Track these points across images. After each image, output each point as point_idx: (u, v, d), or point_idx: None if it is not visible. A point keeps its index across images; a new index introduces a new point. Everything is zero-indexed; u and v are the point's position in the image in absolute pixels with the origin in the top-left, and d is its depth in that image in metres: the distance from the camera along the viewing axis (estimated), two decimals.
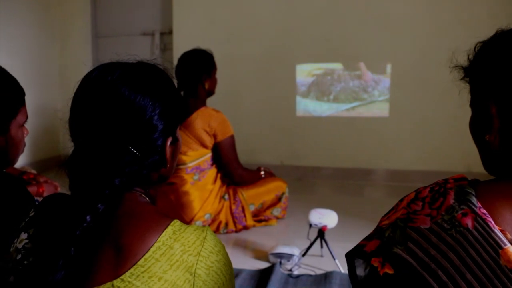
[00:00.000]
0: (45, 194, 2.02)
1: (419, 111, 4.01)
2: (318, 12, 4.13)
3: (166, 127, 0.90)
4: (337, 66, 4.19)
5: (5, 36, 4.12)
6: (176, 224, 0.83)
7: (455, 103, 3.81)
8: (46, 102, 4.55)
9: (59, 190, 2.16)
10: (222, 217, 2.78)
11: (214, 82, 2.79)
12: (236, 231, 2.81)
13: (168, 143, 0.91)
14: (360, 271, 0.72)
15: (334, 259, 2.21)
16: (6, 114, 1.27)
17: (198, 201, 2.70)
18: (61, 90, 4.84)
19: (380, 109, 4.13)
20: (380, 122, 4.13)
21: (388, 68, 4.06)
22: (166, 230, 0.81)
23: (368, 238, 0.71)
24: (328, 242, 2.27)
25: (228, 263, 0.86)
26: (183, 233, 0.82)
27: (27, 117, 1.36)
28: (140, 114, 0.86)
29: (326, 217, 2.27)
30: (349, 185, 4.07)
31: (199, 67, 2.70)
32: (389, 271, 0.65)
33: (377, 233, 0.70)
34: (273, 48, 4.24)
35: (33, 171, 2.28)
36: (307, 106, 4.29)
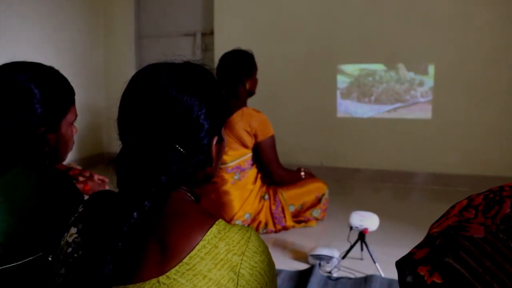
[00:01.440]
0: (90, 192, 2.08)
1: (463, 113, 3.89)
2: (359, 12, 4.08)
3: (212, 127, 0.91)
4: (379, 66, 4.13)
5: (54, 36, 4.28)
6: (221, 223, 0.84)
7: (501, 105, 3.75)
8: (91, 101, 4.68)
9: (107, 183, 2.22)
10: (262, 217, 2.78)
11: (254, 83, 2.80)
12: (276, 232, 2.81)
13: (214, 142, 0.93)
14: (410, 279, 0.71)
15: (375, 262, 2.18)
16: (57, 113, 1.32)
17: (238, 200, 2.71)
18: (105, 90, 4.97)
19: (422, 110, 4.04)
20: (423, 124, 4.04)
21: (431, 68, 3.97)
22: (211, 229, 0.82)
23: (419, 246, 0.70)
24: (369, 245, 2.24)
25: (271, 264, 0.86)
26: (228, 233, 0.82)
27: (76, 116, 1.40)
28: (187, 114, 0.87)
29: (367, 220, 2.24)
30: (389, 187, 4.00)
31: (240, 68, 2.72)
32: (438, 280, 0.63)
33: (427, 241, 0.68)
34: (314, 48, 4.22)
35: (78, 167, 2.34)
36: (347, 107, 4.25)
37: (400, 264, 0.72)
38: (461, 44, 3.84)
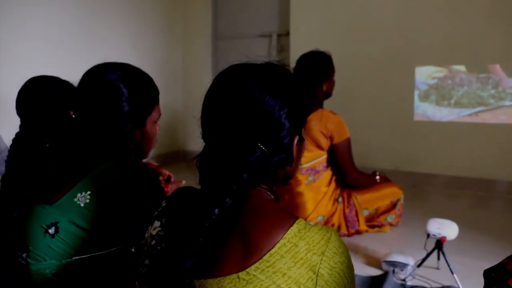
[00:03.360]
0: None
1: None
2: (439, 11, 3.92)
3: (293, 126, 0.92)
4: (460, 68, 3.96)
5: (135, 37, 4.48)
6: (301, 222, 0.85)
7: None
8: (169, 100, 4.85)
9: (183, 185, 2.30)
10: (335, 220, 2.76)
11: (332, 85, 2.78)
12: (348, 235, 2.77)
13: (295, 141, 0.94)
14: None
15: (453, 273, 2.09)
16: (143, 111, 1.38)
17: (312, 202, 2.71)
18: (182, 90, 5.12)
19: (507, 115, 3.82)
20: (507, 129, 3.82)
21: None
22: (292, 228, 0.83)
23: (511, 257, 0.67)
24: (446, 255, 2.15)
25: (350, 266, 0.86)
26: (308, 232, 0.83)
27: (160, 114, 1.47)
28: (268, 113, 0.89)
29: (446, 228, 2.16)
30: (468, 195, 3.82)
31: (318, 69, 2.71)
32: None
33: None
34: (392, 49, 4.12)
35: (156, 164, 2.43)
36: (425, 110, 4.10)
37: (489, 274, 0.69)
38: None
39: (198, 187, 0.99)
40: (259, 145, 0.89)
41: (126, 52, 4.31)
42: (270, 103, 0.89)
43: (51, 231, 1.22)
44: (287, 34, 4.57)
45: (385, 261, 2.30)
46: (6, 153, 1.93)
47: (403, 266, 2.24)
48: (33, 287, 1.25)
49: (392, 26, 4.10)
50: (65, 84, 1.89)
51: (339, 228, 2.77)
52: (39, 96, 1.83)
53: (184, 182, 2.18)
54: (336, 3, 4.33)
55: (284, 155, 0.93)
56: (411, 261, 2.26)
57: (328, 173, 2.78)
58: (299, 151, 0.97)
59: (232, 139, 0.89)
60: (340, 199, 2.79)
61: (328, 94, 2.78)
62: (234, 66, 0.97)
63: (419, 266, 2.25)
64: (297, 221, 0.84)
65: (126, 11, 4.39)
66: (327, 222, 2.75)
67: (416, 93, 4.11)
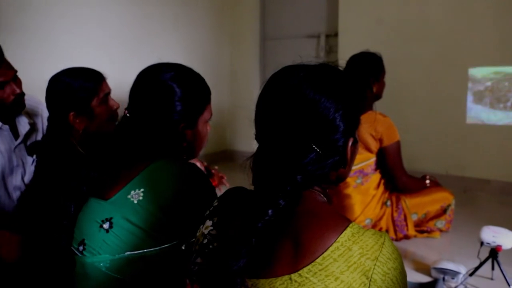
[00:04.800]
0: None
1: None
2: (493, 9, 3.76)
3: (347, 128, 0.91)
4: None
5: (185, 38, 4.56)
6: (354, 226, 0.84)
7: None
8: (216, 100, 4.86)
9: (226, 180, 2.33)
10: (383, 224, 2.71)
11: (382, 86, 2.74)
12: (396, 240, 2.72)
13: (350, 143, 0.93)
14: None
15: (509, 285, 2.01)
16: (195, 110, 1.41)
17: (360, 205, 2.67)
18: (230, 90, 5.16)
19: None
20: None
21: None
22: (345, 231, 0.82)
23: None
24: (501, 264, 2.07)
25: (404, 272, 0.85)
26: (361, 236, 0.82)
27: (211, 114, 1.49)
28: (323, 115, 0.88)
29: (501, 237, 2.07)
30: None
31: (368, 71, 2.67)
32: None
33: None
34: (444, 50, 3.99)
35: (204, 163, 2.47)
36: (479, 113, 3.96)
37: None
38: None
39: (247, 186, 0.99)
40: (314, 147, 0.88)
41: (176, 52, 4.39)
42: (325, 105, 0.88)
43: (106, 226, 1.26)
44: (336, 34, 4.53)
45: (435, 268, 2.24)
46: None
47: (454, 274, 2.17)
48: (87, 279, 1.29)
49: (445, 25, 3.97)
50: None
51: (387, 232, 2.71)
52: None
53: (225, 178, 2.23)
54: (386, 2, 4.24)
55: (338, 157, 0.92)
56: (462, 270, 2.19)
57: (376, 176, 2.74)
58: (353, 153, 0.96)
59: (287, 141, 0.89)
60: (389, 203, 2.74)
61: (377, 96, 2.73)
62: (288, 67, 0.97)
63: (471, 275, 2.18)
64: (350, 225, 0.84)
65: (177, 11, 4.47)
66: (374, 226, 2.71)
67: (469, 95, 3.97)
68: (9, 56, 2.06)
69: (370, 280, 0.79)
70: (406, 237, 2.73)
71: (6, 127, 2.11)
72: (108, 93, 1.89)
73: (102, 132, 1.85)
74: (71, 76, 1.81)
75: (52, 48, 3.40)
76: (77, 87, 1.79)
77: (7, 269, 1.74)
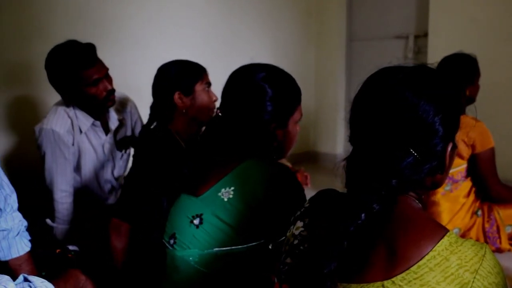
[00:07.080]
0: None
1: None
2: None
3: (447, 133, 0.89)
4: None
5: (272, 39, 4.61)
6: (452, 235, 0.81)
7: None
8: (302, 101, 4.90)
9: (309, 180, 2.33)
10: (473, 234, 2.58)
11: (476, 89, 2.62)
12: None
13: (449, 149, 0.90)
14: None
15: None
16: (286, 111, 1.43)
17: (448, 213, 2.56)
18: (315, 91, 5.14)
19: None
20: None
21: None
22: (443, 240, 0.80)
23: None
24: None
25: None
26: (460, 247, 0.79)
27: (301, 115, 1.50)
28: (422, 118, 0.86)
29: None
30: None
31: (461, 74, 2.56)
32: None
33: None
34: None
35: (289, 164, 2.49)
36: None
37: None
38: None
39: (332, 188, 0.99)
40: (412, 151, 0.86)
41: (263, 53, 4.45)
42: (425, 108, 0.86)
43: (196, 222, 1.31)
44: (425, 35, 4.35)
45: None
46: None
47: None
48: (177, 272, 1.35)
49: None
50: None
51: None
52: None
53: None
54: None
55: (436, 162, 0.89)
56: None
57: (467, 184, 2.61)
58: (451, 159, 0.93)
59: (383, 144, 0.88)
60: (480, 212, 2.60)
61: (471, 99, 2.61)
62: (385, 68, 0.96)
63: None
64: (448, 234, 0.81)
65: (264, 13, 4.54)
66: (463, 236, 2.58)
67: None
68: (109, 61, 2.22)
69: None
70: (499, 250, 2.57)
71: (98, 123, 2.28)
72: (210, 84, 2.04)
73: (199, 119, 2.00)
74: (178, 63, 2.03)
75: (144, 51, 3.60)
76: (184, 70, 2.00)
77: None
